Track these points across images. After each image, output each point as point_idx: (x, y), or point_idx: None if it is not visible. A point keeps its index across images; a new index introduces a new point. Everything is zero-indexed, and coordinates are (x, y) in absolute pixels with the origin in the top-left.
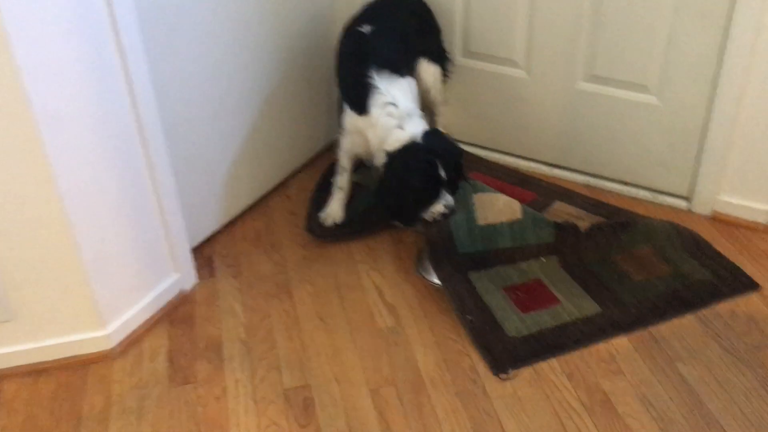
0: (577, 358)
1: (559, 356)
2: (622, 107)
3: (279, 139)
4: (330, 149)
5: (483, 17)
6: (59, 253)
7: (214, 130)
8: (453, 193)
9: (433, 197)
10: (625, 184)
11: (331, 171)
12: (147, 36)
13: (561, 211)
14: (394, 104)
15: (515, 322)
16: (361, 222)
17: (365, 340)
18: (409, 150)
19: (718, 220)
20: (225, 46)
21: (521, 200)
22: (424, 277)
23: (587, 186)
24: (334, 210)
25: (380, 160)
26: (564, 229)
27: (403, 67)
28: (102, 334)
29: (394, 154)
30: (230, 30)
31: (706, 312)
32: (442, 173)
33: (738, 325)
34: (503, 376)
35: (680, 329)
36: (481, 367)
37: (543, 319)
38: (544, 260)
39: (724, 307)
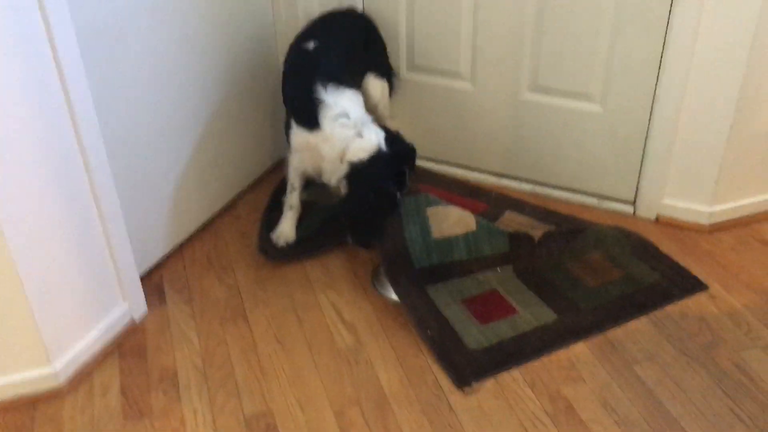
0: (538, 366)
1: (520, 366)
2: (566, 116)
3: (226, 159)
4: (278, 167)
5: (427, 31)
6: (1, 288)
7: (159, 151)
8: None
9: (377, 217)
10: (572, 191)
11: (280, 190)
12: (87, 57)
13: (512, 220)
14: (345, 115)
15: (475, 334)
16: (314, 240)
17: (326, 360)
18: (379, 158)
19: (662, 223)
20: (168, 65)
21: (473, 211)
22: (381, 293)
23: (535, 194)
24: (285, 229)
25: (340, 173)
26: (518, 239)
27: (349, 80)
28: (49, 370)
29: (360, 164)
30: (173, 50)
31: (658, 314)
32: (407, 177)
33: (689, 325)
34: (467, 389)
35: (635, 332)
36: (445, 382)
37: (502, 329)
38: (500, 270)
39: (674, 308)
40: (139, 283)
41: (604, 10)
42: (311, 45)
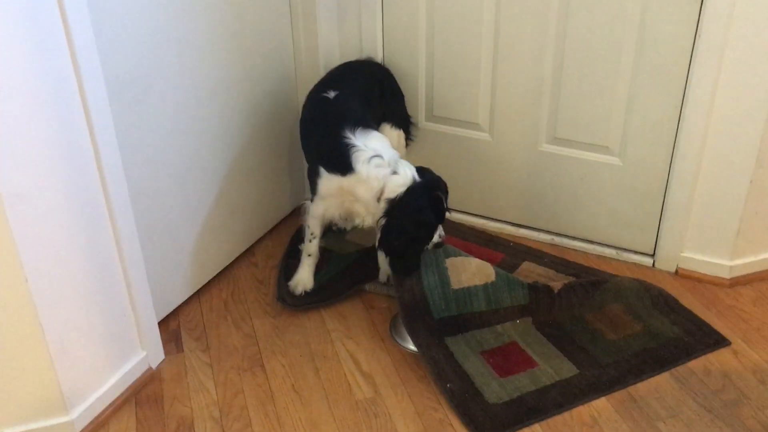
0: (559, 422)
1: (541, 421)
2: (585, 168)
3: (245, 206)
4: (295, 214)
5: (446, 82)
6: (22, 337)
7: (180, 199)
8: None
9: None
10: (591, 242)
11: (298, 237)
12: (114, 109)
13: (530, 271)
14: (378, 156)
15: (495, 388)
16: (331, 288)
17: (344, 412)
18: (416, 190)
19: (682, 276)
20: (191, 116)
21: (490, 261)
22: (399, 343)
23: (553, 245)
24: (303, 277)
25: (379, 212)
26: (537, 290)
27: (372, 124)
28: (66, 419)
29: (398, 198)
30: (196, 100)
31: (680, 369)
32: (445, 206)
33: (713, 381)
34: None
35: (657, 388)
36: None
37: (522, 383)
38: (519, 322)
39: (697, 363)
40: (157, 332)
41: (623, 64)
42: (331, 94)
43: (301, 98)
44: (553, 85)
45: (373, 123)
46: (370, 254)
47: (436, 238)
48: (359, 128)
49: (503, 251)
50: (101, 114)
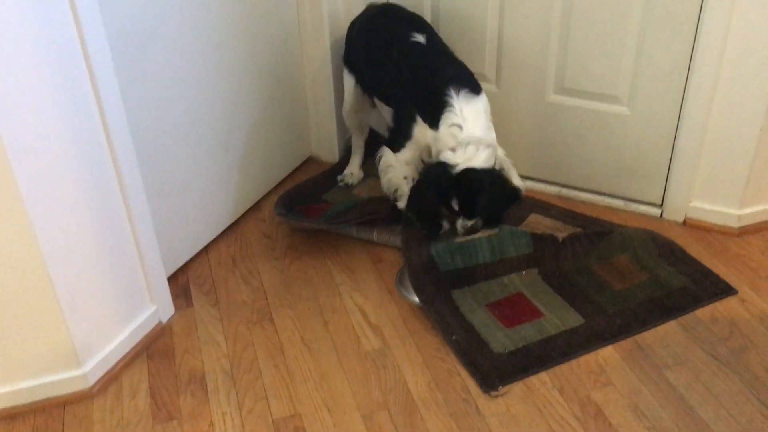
0: (566, 370)
1: (548, 370)
2: (593, 118)
3: (251, 161)
4: (301, 170)
5: (452, 32)
6: (33, 292)
7: (186, 153)
8: (473, 216)
9: (439, 216)
10: (598, 193)
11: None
12: (117, 60)
13: (537, 223)
14: (459, 126)
15: (500, 338)
16: (329, 221)
17: (353, 363)
18: (433, 170)
19: (690, 225)
20: (195, 67)
21: None
22: (405, 296)
23: (560, 197)
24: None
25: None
26: (542, 240)
27: (478, 86)
28: (79, 373)
29: (432, 166)
30: (200, 51)
31: (687, 318)
32: (454, 203)
33: (720, 329)
34: (494, 392)
35: (664, 336)
36: (473, 386)
37: (528, 333)
38: (525, 273)
39: (704, 312)
40: (166, 286)
41: (632, 11)
42: (420, 38)
43: (305, 49)
44: (561, 33)
45: (478, 83)
46: (373, 198)
47: (459, 227)
48: (464, 90)
49: None
50: (103, 65)
